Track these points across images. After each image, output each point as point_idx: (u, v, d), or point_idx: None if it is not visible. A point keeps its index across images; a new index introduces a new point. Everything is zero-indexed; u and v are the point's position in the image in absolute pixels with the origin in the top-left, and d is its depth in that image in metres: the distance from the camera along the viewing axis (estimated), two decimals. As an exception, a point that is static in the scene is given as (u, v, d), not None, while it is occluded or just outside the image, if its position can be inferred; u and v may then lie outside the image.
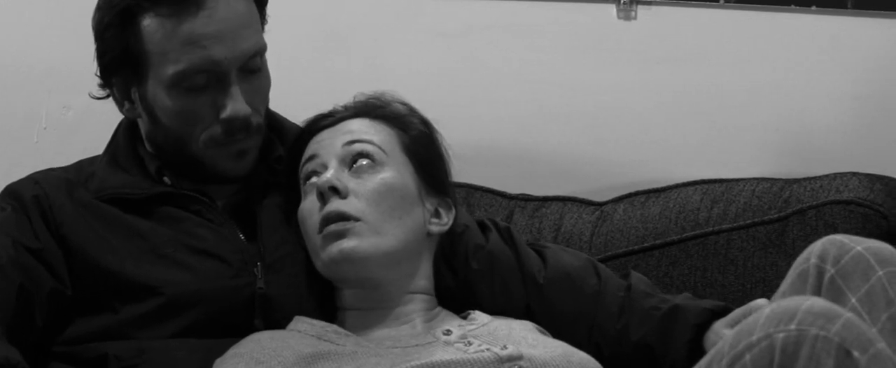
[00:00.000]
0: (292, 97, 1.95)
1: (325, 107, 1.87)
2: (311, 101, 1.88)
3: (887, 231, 2.00)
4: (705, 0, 2.32)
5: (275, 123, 1.92)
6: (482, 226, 1.91)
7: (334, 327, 1.74)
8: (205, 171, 1.84)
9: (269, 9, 1.87)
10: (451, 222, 1.82)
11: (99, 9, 1.80)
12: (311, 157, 1.80)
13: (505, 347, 1.66)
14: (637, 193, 2.21)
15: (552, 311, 1.84)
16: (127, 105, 1.85)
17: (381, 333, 1.75)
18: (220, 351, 1.70)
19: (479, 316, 1.78)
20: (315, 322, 1.75)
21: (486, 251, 1.87)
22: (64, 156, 1.96)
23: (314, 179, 1.78)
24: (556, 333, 1.80)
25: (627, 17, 2.36)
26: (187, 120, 1.80)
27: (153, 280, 1.76)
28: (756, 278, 2.06)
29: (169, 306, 1.75)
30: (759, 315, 1.43)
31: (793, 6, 2.28)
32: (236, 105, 1.79)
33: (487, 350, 1.66)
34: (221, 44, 1.76)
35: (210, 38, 1.75)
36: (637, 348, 1.80)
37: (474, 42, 2.43)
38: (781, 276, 1.67)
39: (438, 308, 1.81)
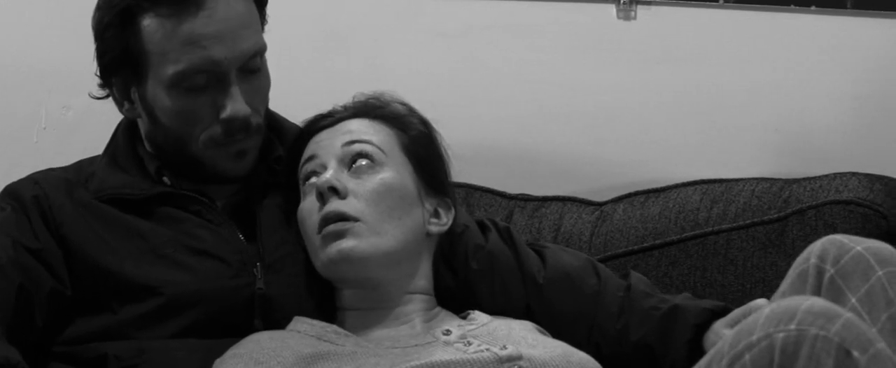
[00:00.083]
0: (292, 97, 1.95)
1: (324, 107, 1.87)
2: (311, 101, 1.88)
3: (887, 231, 2.00)
4: (705, 0, 2.32)
5: (274, 123, 1.92)
6: (482, 226, 1.91)
7: (334, 327, 1.74)
8: (204, 172, 1.84)
9: (269, 9, 1.87)
10: (450, 222, 1.82)
11: (99, 9, 1.80)
12: (311, 158, 1.80)
13: (504, 347, 1.66)
14: (637, 193, 2.21)
15: (552, 311, 1.84)
16: (126, 105, 1.85)
17: (380, 333, 1.75)
18: (220, 351, 1.70)
19: (478, 316, 1.78)
20: (315, 322, 1.75)
21: (485, 251, 1.87)
22: (64, 156, 1.96)
23: (313, 179, 1.78)
24: (556, 333, 1.80)
25: (627, 17, 2.36)
26: (187, 120, 1.80)
27: (153, 280, 1.76)
28: (756, 278, 2.06)
29: (169, 306, 1.75)
30: (759, 315, 1.43)
31: (792, 6, 2.28)
32: (236, 105, 1.79)
33: (487, 350, 1.66)
34: (221, 44, 1.76)
35: (210, 39, 1.75)
36: (637, 348, 1.80)
37: (474, 42, 2.43)
38: (781, 276, 1.67)
39: (438, 309, 1.81)
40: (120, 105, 1.86)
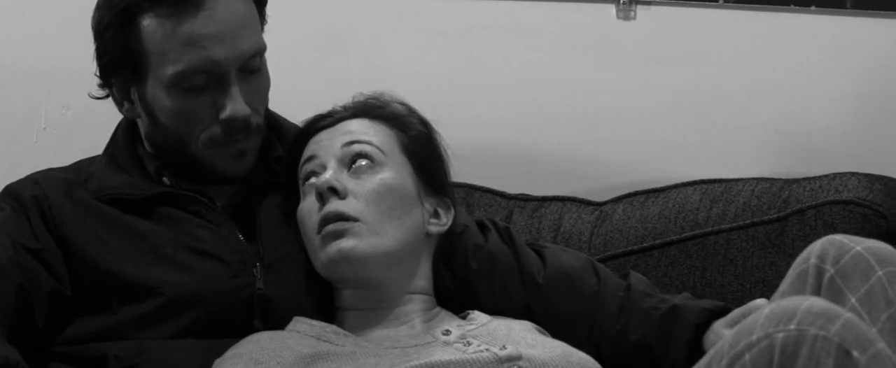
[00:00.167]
0: (292, 97, 1.95)
1: (324, 108, 1.87)
2: (311, 101, 1.88)
3: (886, 231, 2.00)
4: (704, 0, 2.32)
5: (274, 123, 1.92)
6: (481, 226, 1.91)
7: (333, 327, 1.74)
8: (204, 172, 1.84)
9: (269, 9, 1.87)
10: (450, 222, 1.82)
11: (98, 9, 1.80)
12: (310, 158, 1.80)
13: (504, 347, 1.66)
14: (636, 193, 2.21)
15: (551, 311, 1.84)
16: (126, 105, 1.85)
17: (380, 333, 1.75)
18: (220, 352, 1.70)
19: (478, 317, 1.78)
20: (314, 322, 1.75)
21: (485, 251, 1.87)
22: (63, 157, 1.96)
23: (313, 180, 1.78)
24: (556, 333, 1.80)
25: (627, 17, 2.36)
26: (187, 120, 1.80)
27: (152, 280, 1.76)
28: (755, 278, 2.06)
29: (168, 306, 1.75)
30: (759, 315, 1.43)
31: (792, 6, 2.28)
32: (236, 105, 1.79)
33: (486, 350, 1.66)
34: (221, 44, 1.76)
35: (209, 39, 1.75)
36: (636, 348, 1.80)
37: (474, 42, 2.43)
38: (781, 276, 1.67)
39: (438, 309, 1.81)
40: (120, 105, 1.86)
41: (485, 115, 2.40)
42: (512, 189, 2.29)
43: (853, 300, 1.53)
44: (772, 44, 2.30)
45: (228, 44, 1.77)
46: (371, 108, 1.84)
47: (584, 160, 2.38)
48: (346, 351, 1.67)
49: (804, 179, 2.12)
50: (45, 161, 1.96)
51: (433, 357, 1.63)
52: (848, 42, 2.26)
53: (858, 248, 1.56)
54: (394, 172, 1.78)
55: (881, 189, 2.06)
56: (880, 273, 1.54)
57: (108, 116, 1.92)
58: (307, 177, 1.80)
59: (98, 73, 1.84)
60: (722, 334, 1.69)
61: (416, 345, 1.70)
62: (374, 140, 1.80)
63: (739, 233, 2.09)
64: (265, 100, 1.87)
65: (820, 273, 1.58)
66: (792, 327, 1.39)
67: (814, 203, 2.06)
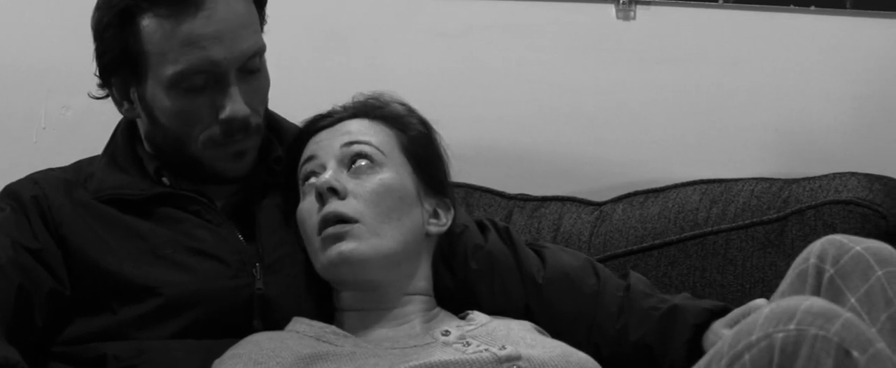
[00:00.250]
0: (292, 97, 1.95)
1: (324, 108, 1.87)
2: (311, 101, 1.88)
3: (886, 231, 2.00)
4: (704, 0, 2.32)
5: (273, 124, 1.92)
6: (481, 227, 1.90)
7: (333, 328, 1.74)
8: (204, 172, 1.84)
9: (269, 9, 1.87)
10: (449, 222, 1.82)
11: (98, 9, 1.80)
12: (310, 158, 1.80)
13: (503, 347, 1.66)
14: (636, 193, 2.21)
15: (551, 311, 1.84)
16: (126, 105, 1.85)
17: (379, 334, 1.75)
18: (219, 352, 1.70)
19: (477, 317, 1.78)
20: (314, 322, 1.75)
21: (484, 251, 1.87)
22: (63, 157, 1.96)
23: (313, 180, 1.78)
24: (555, 333, 1.80)
25: (626, 17, 2.36)
26: (186, 120, 1.80)
27: (152, 280, 1.76)
28: (755, 278, 2.06)
29: (168, 306, 1.75)
30: (759, 315, 1.43)
31: (792, 6, 2.28)
32: (235, 105, 1.78)
33: (486, 350, 1.66)
34: (220, 44, 1.76)
35: (209, 39, 1.75)
36: (636, 348, 1.80)
37: (474, 42, 2.43)
38: (780, 276, 1.67)
39: (437, 309, 1.81)
40: (119, 105, 1.86)
41: (484, 115, 2.40)
42: (511, 189, 2.29)
43: (853, 300, 1.53)
44: (771, 44, 2.30)
45: (228, 44, 1.77)
46: (371, 108, 1.84)
47: (584, 160, 2.38)
48: (345, 352, 1.67)
49: (804, 179, 2.12)
50: (45, 161, 1.96)
51: (433, 357, 1.63)
52: (847, 42, 2.26)
53: (858, 248, 1.56)
54: (393, 172, 1.78)
55: (881, 189, 2.06)
56: (880, 273, 1.54)
57: (108, 116, 1.92)
58: (307, 177, 1.80)
59: (97, 73, 1.84)
60: (721, 334, 1.69)
61: (415, 346, 1.70)
62: (373, 140, 1.80)
63: (739, 233, 2.09)
64: (265, 100, 1.87)
65: (819, 273, 1.58)
66: (792, 327, 1.39)
67: (813, 203, 2.06)
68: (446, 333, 1.72)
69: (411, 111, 1.86)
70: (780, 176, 2.16)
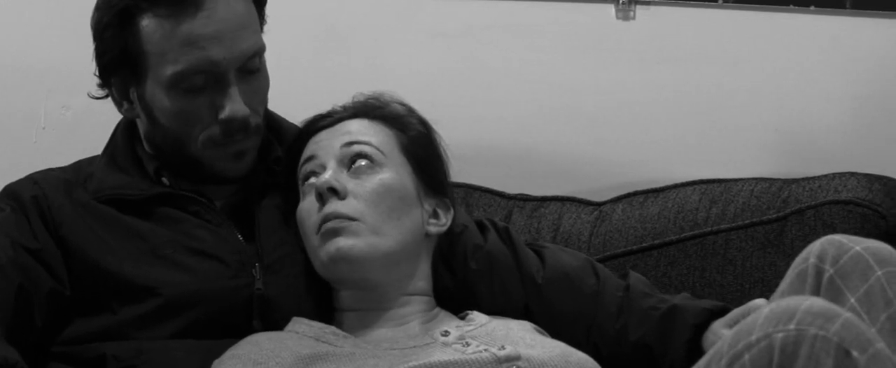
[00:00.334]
0: (292, 97, 1.95)
1: (324, 108, 1.87)
2: (311, 101, 1.88)
3: (886, 231, 2.00)
4: (704, 0, 2.32)
5: (273, 124, 1.92)
6: (481, 227, 1.91)
7: (332, 328, 1.74)
8: (203, 172, 1.84)
9: (269, 9, 1.87)
10: (449, 223, 1.82)
11: (98, 9, 1.80)
12: (310, 158, 1.80)
13: (503, 347, 1.66)
14: (636, 193, 2.21)
15: (551, 311, 1.84)
16: (125, 105, 1.85)
17: (379, 334, 1.75)
18: (219, 352, 1.70)
19: (477, 317, 1.78)
20: (313, 323, 1.75)
21: (484, 251, 1.87)
22: (63, 157, 1.96)
23: (313, 180, 1.78)
24: (555, 333, 1.80)
25: (626, 18, 2.36)
26: (186, 120, 1.80)
27: (152, 280, 1.76)
28: (755, 278, 2.06)
29: (167, 307, 1.75)
30: (758, 315, 1.43)
31: (791, 6, 2.28)
32: (235, 106, 1.78)
33: (485, 350, 1.66)
34: (220, 44, 1.76)
35: (208, 39, 1.75)
36: (636, 348, 1.80)
37: (474, 42, 2.43)
38: (780, 276, 1.67)
39: (437, 310, 1.81)
40: (119, 105, 1.86)
41: (484, 115, 2.40)
42: (511, 189, 2.29)
43: (852, 300, 1.53)
44: (771, 44, 2.30)
45: (227, 44, 1.77)
46: (371, 109, 1.84)
47: (584, 160, 2.38)
48: (344, 352, 1.67)
49: (803, 179, 2.12)
50: (45, 161, 1.96)
51: (432, 357, 1.63)
52: (847, 42, 2.26)
53: (858, 248, 1.56)
54: (393, 172, 1.78)
55: (880, 189, 2.06)
56: (879, 273, 1.54)
57: (108, 116, 1.92)
58: (307, 177, 1.80)
59: (97, 73, 1.84)
60: (721, 334, 1.69)
61: (414, 346, 1.70)
62: (373, 140, 1.80)
63: (739, 233, 2.09)
64: (264, 100, 1.87)
65: (819, 273, 1.58)
66: (791, 327, 1.39)
67: (813, 203, 2.06)
68: (446, 333, 1.72)
69: (411, 111, 1.86)
70: (780, 176, 2.16)
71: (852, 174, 2.08)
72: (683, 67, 2.34)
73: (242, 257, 1.80)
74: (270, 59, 1.85)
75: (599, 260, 2.00)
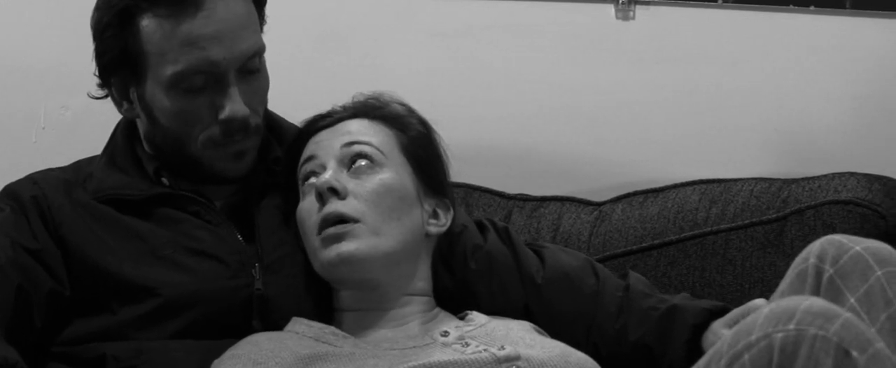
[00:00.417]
0: (291, 97, 1.95)
1: (323, 107, 1.87)
2: (311, 101, 1.88)
3: (885, 231, 2.00)
4: (703, 0, 2.32)
5: (273, 124, 1.92)
6: (480, 227, 1.90)
7: (332, 328, 1.74)
8: (203, 172, 1.84)
9: (269, 9, 1.86)
10: (449, 223, 1.82)
11: (97, 9, 1.80)
12: (310, 158, 1.80)
13: (502, 347, 1.66)
14: (635, 193, 2.21)
15: (550, 311, 1.84)
16: (125, 105, 1.85)
17: (378, 334, 1.75)
18: (218, 352, 1.70)
19: (476, 317, 1.78)
20: (313, 323, 1.75)
21: (484, 251, 1.87)
22: (62, 157, 1.96)
23: (313, 180, 1.78)
24: (555, 333, 1.80)
25: (626, 17, 2.36)
26: (185, 120, 1.80)
27: (151, 281, 1.76)
28: (754, 278, 2.06)
29: (167, 307, 1.75)
30: (758, 315, 1.43)
31: (791, 6, 2.28)
32: (234, 106, 1.78)
33: (485, 350, 1.66)
34: (220, 45, 1.76)
35: (208, 39, 1.75)
36: (635, 348, 1.80)
37: (473, 42, 2.43)
38: (780, 276, 1.67)
39: (437, 310, 1.81)
40: (119, 105, 1.86)
41: (483, 115, 2.40)
42: (511, 189, 2.29)
43: (852, 300, 1.53)
44: (771, 44, 2.30)
45: (227, 44, 1.77)
46: (371, 109, 1.84)
47: (583, 160, 2.38)
48: (344, 353, 1.67)
49: (803, 179, 2.12)
50: (45, 161, 1.96)
51: (432, 357, 1.63)
52: (847, 42, 2.26)
53: (857, 248, 1.56)
54: (393, 173, 1.78)
55: (880, 189, 2.06)
56: (879, 273, 1.54)
57: (107, 116, 1.92)
58: (307, 177, 1.80)
59: (97, 73, 1.84)
60: (721, 334, 1.69)
61: (414, 346, 1.70)
62: (373, 140, 1.80)
63: (738, 233, 2.09)
64: (264, 100, 1.87)
65: (819, 273, 1.58)
66: (791, 327, 1.39)
67: (813, 203, 2.06)
68: (445, 334, 1.72)
69: (411, 111, 1.86)
70: (780, 176, 2.16)
71: (852, 174, 2.08)
72: (683, 67, 2.33)
73: (242, 257, 1.79)
74: (270, 59, 1.85)
75: (599, 260, 2.00)
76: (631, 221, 2.16)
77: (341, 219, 1.73)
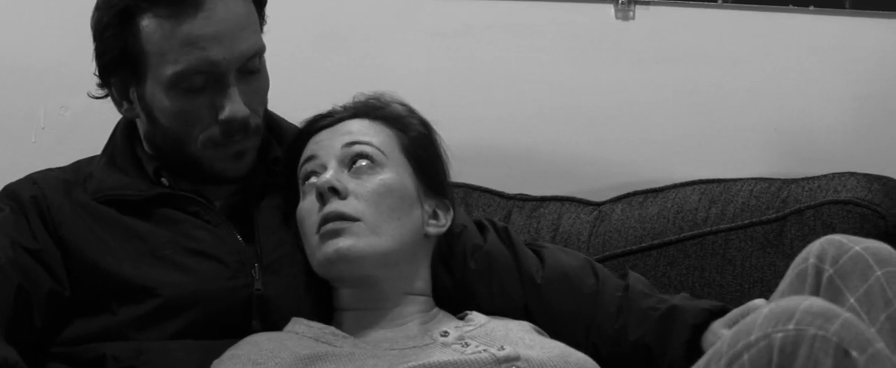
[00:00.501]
0: (291, 97, 1.95)
1: (323, 107, 1.87)
2: (311, 101, 1.88)
3: (885, 231, 2.00)
4: (703, 0, 2.32)
5: (273, 124, 1.92)
6: (480, 227, 1.91)
7: (332, 329, 1.74)
8: (203, 172, 1.84)
9: (269, 9, 1.86)
10: (448, 224, 1.82)
11: (98, 9, 1.80)
12: (310, 158, 1.80)
13: (502, 348, 1.66)
14: (635, 193, 2.21)
15: (550, 311, 1.84)
16: (125, 105, 1.85)
17: (378, 335, 1.75)
18: (218, 352, 1.70)
19: (476, 317, 1.78)
20: (312, 323, 1.75)
21: (483, 251, 1.87)
22: (62, 157, 1.96)
23: (313, 179, 1.78)
24: (554, 333, 1.80)
25: (625, 17, 2.36)
26: (185, 120, 1.80)
27: (151, 281, 1.76)
28: (754, 278, 2.06)
29: (166, 307, 1.75)
30: (758, 315, 1.43)
31: (790, 6, 2.28)
32: (234, 106, 1.78)
33: (484, 350, 1.66)
34: (220, 45, 1.76)
35: (208, 39, 1.75)
36: (635, 348, 1.80)
37: (473, 42, 2.43)
38: (779, 276, 1.67)
39: (436, 310, 1.81)
40: (118, 105, 1.86)
41: (483, 115, 2.40)
42: (510, 189, 2.29)
43: (852, 300, 1.53)
44: (770, 44, 2.30)
45: (227, 44, 1.77)
46: (371, 109, 1.84)
47: (583, 160, 2.38)
48: (344, 353, 1.67)
49: (803, 179, 2.12)
50: (44, 161, 1.96)
51: (431, 358, 1.63)
52: (847, 42, 2.26)
53: (857, 248, 1.56)
54: (394, 173, 1.78)
55: (880, 189, 2.06)
56: (879, 273, 1.54)
57: (107, 116, 1.92)
58: (307, 177, 1.80)
59: (97, 73, 1.84)
60: (720, 334, 1.69)
61: (414, 346, 1.70)
62: (374, 141, 1.80)
63: (738, 233, 2.09)
64: (264, 100, 1.87)
65: (819, 273, 1.58)
66: (791, 327, 1.39)
67: (812, 203, 2.06)
68: (445, 334, 1.72)
69: (412, 112, 1.86)
70: (779, 176, 2.16)
71: (852, 174, 2.08)
72: (683, 67, 2.34)
73: (241, 257, 1.79)
74: (270, 59, 1.85)
75: (599, 260, 2.00)
76: (630, 221, 2.16)
77: (341, 218, 1.73)
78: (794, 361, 1.37)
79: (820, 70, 2.27)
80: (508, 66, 2.42)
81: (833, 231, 1.89)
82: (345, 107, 1.85)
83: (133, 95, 1.83)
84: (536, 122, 2.40)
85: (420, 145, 1.83)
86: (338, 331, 1.74)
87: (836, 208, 2.04)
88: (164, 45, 1.76)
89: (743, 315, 1.67)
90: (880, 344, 1.39)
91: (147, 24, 1.76)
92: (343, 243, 1.72)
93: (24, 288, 1.74)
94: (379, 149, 1.79)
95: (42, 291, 1.76)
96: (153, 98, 1.80)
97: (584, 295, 1.84)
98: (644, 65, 2.35)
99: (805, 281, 1.59)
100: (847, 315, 1.40)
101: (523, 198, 2.27)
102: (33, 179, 1.86)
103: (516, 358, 1.65)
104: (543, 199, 2.26)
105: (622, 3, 2.35)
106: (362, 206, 1.74)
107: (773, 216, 2.08)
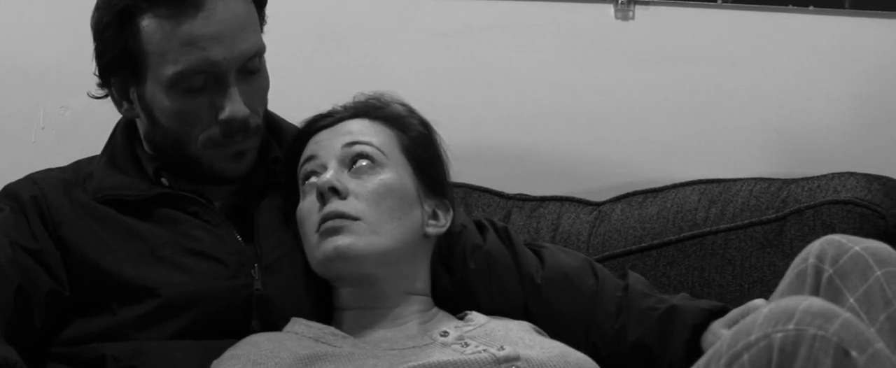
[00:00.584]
0: (291, 97, 1.95)
1: (323, 107, 1.87)
2: (310, 101, 1.88)
3: (885, 231, 2.00)
4: (703, 0, 2.32)
5: (273, 124, 1.92)
6: (480, 227, 1.91)
7: (331, 329, 1.74)
8: (203, 172, 1.84)
9: (269, 9, 1.86)
10: (448, 224, 1.82)
11: (98, 9, 1.80)
12: (311, 158, 1.80)
13: (502, 348, 1.66)
14: (635, 193, 2.21)
15: (550, 311, 1.84)
16: (125, 105, 1.85)
17: (377, 335, 1.75)
18: (218, 352, 1.70)
19: (475, 317, 1.78)
20: (312, 323, 1.75)
21: (483, 251, 1.87)
22: (62, 157, 1.96)
23: (313, 179, 1.78)
24: (554, 333, 1.80)
25: (625, 17, 2.36)
26: (185, 120, 1.80)
27: (151, 281, 1.76)
28: (754, 278, 2.06)
29: (166, 307, 1.75)
30: (758, 315, 1.43)
31: (790, 6, 2.28)
32: (234, 106, 1.78)
33: (484, 350, 1.66)
34: (220, 45, 1.76)
35: (209, 40, 1.75)
36: (635, 348, 1.80)
37: (473, 42, 2.43)
38: (779, 276, 1.67)
39: (435, 310, 1.81)
40: (118, 105, 1.86)
41: (483, 115, 2.41)
42: (510, 189, 2.29)
43: (852, 300, 1.53)
44: (770, 44, 2.30)
45: (227, 45, 1.77)
46: (371, 109, 1.84)
47: (583, 160, 2.38)
48: (343, 353, 1.67)
49: (802, 179, 2.12)
50: (44, 161, 1.96)
51: (431, 358, 1.64)
52: (846, 42, 2.26)
53: (857, 248, 1.57)
54: (394, 173, 1.78)
55: (880, 189, 2.06)
56: (879, 273, 1.54)
57: (107, 116, 1.92)
58: (307, 177, 1.80)
59: (97, 73, 1.84)
60: (720, 334, 1.69)
61: (414, 346, 1.70)
62: (374, 141, 1.80)
63: (738, 233, 2.09)
64: (264, 100, 1.87)
65: (818, 273, 1.58)
66: (790, 327, 1.39)
67: (812, 203, 2.06)
68: (444, 334, 1.72)
69: (412, 112, 1.86)
70: (779, 176, 2.16)
71: (852, 174, 2.08)
72: (682, 67, 2.34)
73: (241, 257, 1.80)
74: (270, 59, 1.85)
75: (598, 261, 2.00)
76: (630, 221, 2.16)
77: (342, 217, 1.73)
78: (794, 361, 1.37)
79: (820, 70, 2.27)
80: (508, 66, 2.42)
81: (833, 231, 1.89)
82: (345, 107, 1.85)
83: (133, 95, 1.83)
84: (536, 122, 2.40)
85: (420, 145, 1.83)
86: (337, 331, 1.74)
87: (835, 208, 2.04)
88: (164, 45, 1.76)
89: (743, 316, 1.67)
90: (880, 344, 1.39)
91: (147, 24, 1.76)
92: (342, 241, 1.72)
93: (24, 288, 1.74)
94: (379, 149, 1.79)
95: (42, 291, 1.76)
96: (153, 98, 1.80)
97: (583, 295, 1.84)
98: (644, 65, 2.35)
99: (805, 281, 1.59)
100: (847, 315, 1.40)
101: (523, 198, 2.27)
102: (33, 179, 1.86)
103: (516, 358, 1.65)
104: (543, 199, 2.26)
105: (622, 3, 2.35)
106: (362, 206, 1.74)
107: (773, 216, 2.08)
